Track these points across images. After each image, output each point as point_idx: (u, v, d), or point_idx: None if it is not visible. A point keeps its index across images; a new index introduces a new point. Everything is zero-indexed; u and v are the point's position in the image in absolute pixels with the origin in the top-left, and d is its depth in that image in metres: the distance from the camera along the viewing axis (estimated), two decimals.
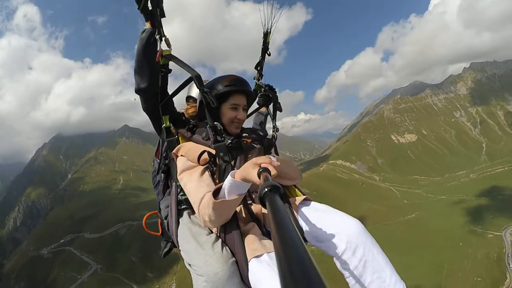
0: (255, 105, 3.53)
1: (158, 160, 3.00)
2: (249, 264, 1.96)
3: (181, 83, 2.71)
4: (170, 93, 2.73)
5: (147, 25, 2.52)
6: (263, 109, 3.63)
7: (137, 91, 2.67)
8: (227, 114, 2.55)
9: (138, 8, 2.45)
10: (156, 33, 2.51)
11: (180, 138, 2.66)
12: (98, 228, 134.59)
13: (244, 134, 2.70)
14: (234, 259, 2.06)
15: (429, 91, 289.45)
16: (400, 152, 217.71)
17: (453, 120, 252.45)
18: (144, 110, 2.80)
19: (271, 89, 3.38)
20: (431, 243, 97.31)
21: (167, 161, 2.79)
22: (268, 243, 2.04)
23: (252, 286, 1.92)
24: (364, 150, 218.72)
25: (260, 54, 3.45)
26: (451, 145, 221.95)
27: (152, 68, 2.59)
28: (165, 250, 2.85)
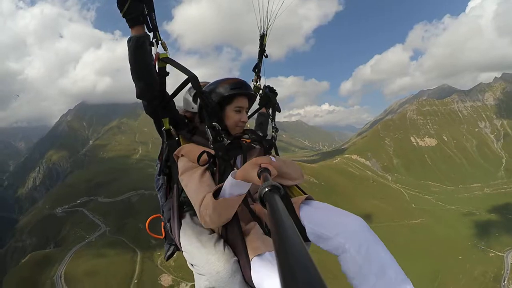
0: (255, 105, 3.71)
1: (159, 164, 3.09)
2: (251, 262, 1.96)
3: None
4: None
5: (133, 32, 2.50)
6: (263, 110, 3.76)
7: (139, 97, 2.68)
8: (232, 116, 2.57)
9: (122, 12, 2.42)
10: (152, 37, 2.54)
11: (181, 139, 2.72)
12: (112, 193, 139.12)
13: (244, 135, 2.73)
14: (236, 258, 2.07)
15: (456, 97, 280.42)
16: (417, 155, 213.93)
17: (476, 130, 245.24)
18: (148, 113, 2.86)
19: (271, 90, 3.59)
20: (430, 252, 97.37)
21: (168, 163, 2.83)
22: (270, 242, 2.01)
23: (254, 284, 1.92)
24: (381, 148, 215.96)
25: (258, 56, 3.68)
26: (471, 155, 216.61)
27: (148, 73, 2.59)
28: (169, 253, 2.93)
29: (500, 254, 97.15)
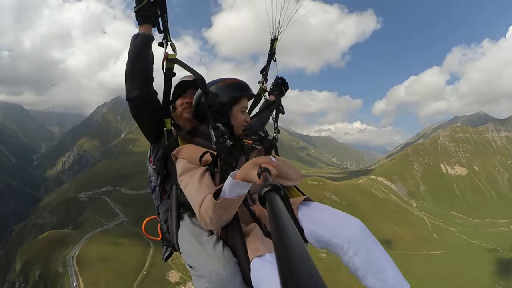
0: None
1: (153, 166, 3.06)
2: (252, 263, 1.96)
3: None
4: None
5: (141, 29, 2.54)
6: (271, 97, 3.75)
7: (128, 98, 2.66)
8: (239, 117, 2.59)
9: (136, 8, 2.49)
10: (163, 37, 2.59)
11: (179, 140, 2.68)
12: (136, 186, 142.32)
13: (246, 135, 2.71)
14: (235, 259, 2.08)
15: (491, 125, 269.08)
16: (445, 184, 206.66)
17: (509, 162, 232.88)
18: (134, 117, 2.82)
19: (284, 83, 3.74)
20: (445, 286, 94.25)
21: (166, 164, 2.81)
22: (270, 243, 2.01)
23: (254, 285, 1.92)
24: (409, 173, 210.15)
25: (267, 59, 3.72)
26: (501, 188, 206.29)
27: (144, 76, 2.61)
28: (166, 254, 2.92)
29: None
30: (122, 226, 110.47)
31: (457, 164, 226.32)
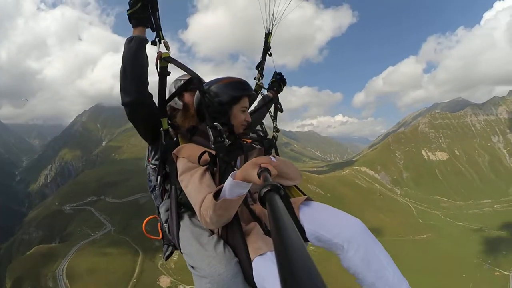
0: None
1: (152, 165, 3.08)
2: (253, 262, 1.96)
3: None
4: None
5: (135, 32, 2.51)
6: (270, 94, 3.76)
7: (124, 103, 2.64)
8: (239, 116, 2.58)
9: (129, 11, 2.47)
10: (155, 36, 2.55)
11: (179, 139, 2.65)
12: (120, 194, 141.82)
13: (245, 135, 2.72)
14: (236, 259, 2.08)
15: (469, 110, 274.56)
16: (427, 169, 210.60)
17: (489, 144, 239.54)
18: (131, 120, 2.80)
19: (282, 78, 3.74)
20: (434, 268, 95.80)
21: (166, 164, 2.76)
22: (271, 241, 1.99)
23: (257, 284, 1.92)
24: (391, 161, 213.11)
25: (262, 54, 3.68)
26: (482, 170, 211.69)
27: (139, 80, 2.59)
28: (167, 253, 2.90)
29: (506, 273, 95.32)
30: (109, 236, 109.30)
31: (438, 150, 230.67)
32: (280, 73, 3.77)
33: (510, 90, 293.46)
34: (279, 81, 3.76)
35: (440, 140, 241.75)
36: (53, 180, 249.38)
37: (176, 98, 3.04)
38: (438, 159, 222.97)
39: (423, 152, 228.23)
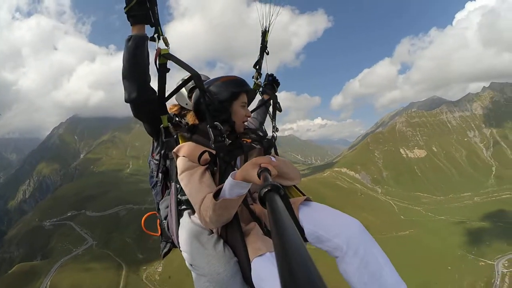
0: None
1: (156, 161, 3.08)
2: (252, 263, 1.96)
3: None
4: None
5: (133, 31, 2.49)
6: (265, 96, 3.76)
7: (127, 100, 2.65)
8: (239, 112, 2.58)
9: (126, 8, 2.43)
10: (154, 31, 2.52)
11: (179, 138, 2.64)
12: (100, 207, 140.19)
13: (244, 134, 2.71)
14: (236, 258, 2.08)
15: (445, 108, 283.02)
16: (406, 167, 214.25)
17: (465, 139, 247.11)
18: (136, 116, 2.81)
19: (274, 80, 3.74)
20: (419, 263, 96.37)
21: (166, 161, 2.79)
22: (270, 242, 2.01)
23: (255, 285, 1.91)
24: (371, 161, 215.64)
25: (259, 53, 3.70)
26: (460, 165, 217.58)
27: (141, 78, 2.60)
28: (165, 250, 2.89)
29: (490, 262, 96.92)
30: (91, 250, 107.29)
31: (416, 148, 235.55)
32: (272, 75, 3.78)
33: (484, 87, 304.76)
34: (271, 83, 3.77)
35: (418, 138, 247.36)
36: (31, 195, 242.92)
37: (187, 98, 3.11)
38: (416, 157, 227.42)
39: (401, 150, 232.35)
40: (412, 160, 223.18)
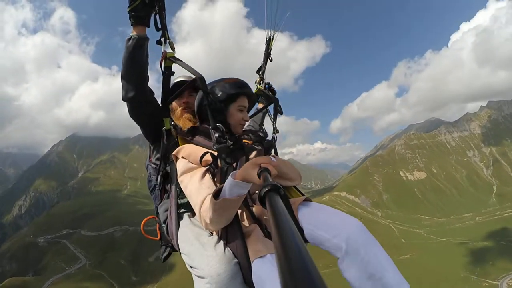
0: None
1: (153, 165, 3.06)
2: (253, 265, 1.95)
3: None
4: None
5: (134, 32, 2.49)
6: (260, 105, 3.79)
7: (124, 99, 2.68)
8: (236, 115, 2.56)
9: (129, 8, 2.42)
10: (161, 35, 2.54)
11: (179, 140, 2.65)
12: (96, 227, 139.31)
13: (245, 136, 2.68)
14: (236, 260, 2.06)
15: (443, 129, 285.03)
16: (407, 189, 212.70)
17: (465, 159, 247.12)
18: (131, 117, 2.84)
19: (270, 88, 3.63)
20: (421, 287, 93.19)
21: (166, 164, 2.77)
22: (270, 244, 2.00)
23: (255, 286, 1.90)
24: (370, 184, 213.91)
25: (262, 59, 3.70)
26: (461, 185, 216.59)
27: (139, 78, 2.62)
28: (165, 254, 2.85)
29: (494, 282, 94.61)
30: (84, 270, 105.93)
31: (415, 170, 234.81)
32: (268, 83, 3.65)
33: (481, 106, 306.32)
34: (267, 92, 3.60)
35: (417, 160, 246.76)
36: (27, 211, 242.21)
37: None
38: (416, 179, 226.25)
39: (401, 173, 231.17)
40: (412, 183, 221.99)
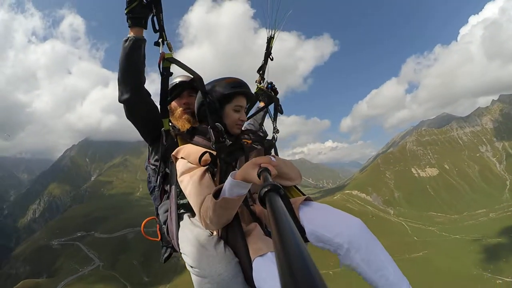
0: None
1: (153, 166, 3.07)
2: (253, 263, 1.94)
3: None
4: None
5: (131, 33, 2.51)
6: (262, 104, 3.80)
7: (121, 101, 2.69)
8: (231, 115, 2.55)
9: (127, 10, 2.44)
10: (159, 37, 2.54)
11: (178, 140, 2.65)
12: (109, 229, 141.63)
13: (245, 135, 2.68)
14: (237, 259, 2.06)
15: (455, 124, 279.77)
16: (419, 186, 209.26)
17: (478, 155, 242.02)
18: (128, 118, 2.85)
19: (272, 88, 3.65)
20: (433, 285, 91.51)
21: (166, 165, 2.76)
22: (271, 242, 1.96)
23: (256, 285, 1.89)
24: (382, 182, 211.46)
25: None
26: (473, 181, 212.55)
27: (135, 79, 2.64)
28: (165, 255, 2.86)
29: (508, 280, 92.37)
30: (97, 271, 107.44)
31: (427, 166, 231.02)
32: (271, 82, 3.67)
33: (492, 100, 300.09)
34: (269, 91, 3.64)
35: (429, 157, 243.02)
36: (41, 215, 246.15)
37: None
38: (428, 175, 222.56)
39: (413, 170, 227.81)
40: (424, 179, 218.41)
